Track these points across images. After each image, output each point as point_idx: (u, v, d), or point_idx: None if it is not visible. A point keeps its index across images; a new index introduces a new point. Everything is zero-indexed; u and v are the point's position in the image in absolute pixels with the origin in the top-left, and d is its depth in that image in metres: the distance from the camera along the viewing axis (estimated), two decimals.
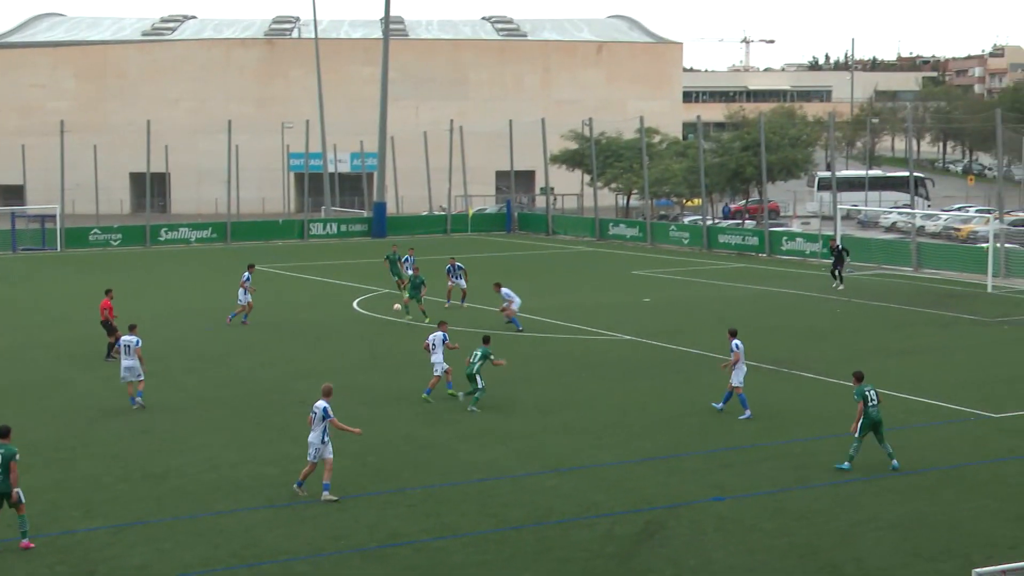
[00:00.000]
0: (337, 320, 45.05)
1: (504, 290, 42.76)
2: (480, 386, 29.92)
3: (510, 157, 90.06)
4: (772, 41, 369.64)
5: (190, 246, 79.60)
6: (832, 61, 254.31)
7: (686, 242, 75.19)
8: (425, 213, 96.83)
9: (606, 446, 26.31)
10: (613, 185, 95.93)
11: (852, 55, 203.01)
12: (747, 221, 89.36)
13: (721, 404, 29.35)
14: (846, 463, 24.28)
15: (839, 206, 66.02)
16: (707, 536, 20.44)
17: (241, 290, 44.47)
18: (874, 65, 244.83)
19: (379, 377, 33.92)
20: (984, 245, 59.56)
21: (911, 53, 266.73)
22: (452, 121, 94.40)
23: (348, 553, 19.73)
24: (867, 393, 24.45)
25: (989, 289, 53.35)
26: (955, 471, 24.26)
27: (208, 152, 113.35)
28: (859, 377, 24.95)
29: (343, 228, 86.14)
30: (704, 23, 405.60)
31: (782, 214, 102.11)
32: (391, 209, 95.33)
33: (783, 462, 24.80)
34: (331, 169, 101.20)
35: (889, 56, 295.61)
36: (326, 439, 22.71)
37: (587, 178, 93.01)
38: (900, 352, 37.61)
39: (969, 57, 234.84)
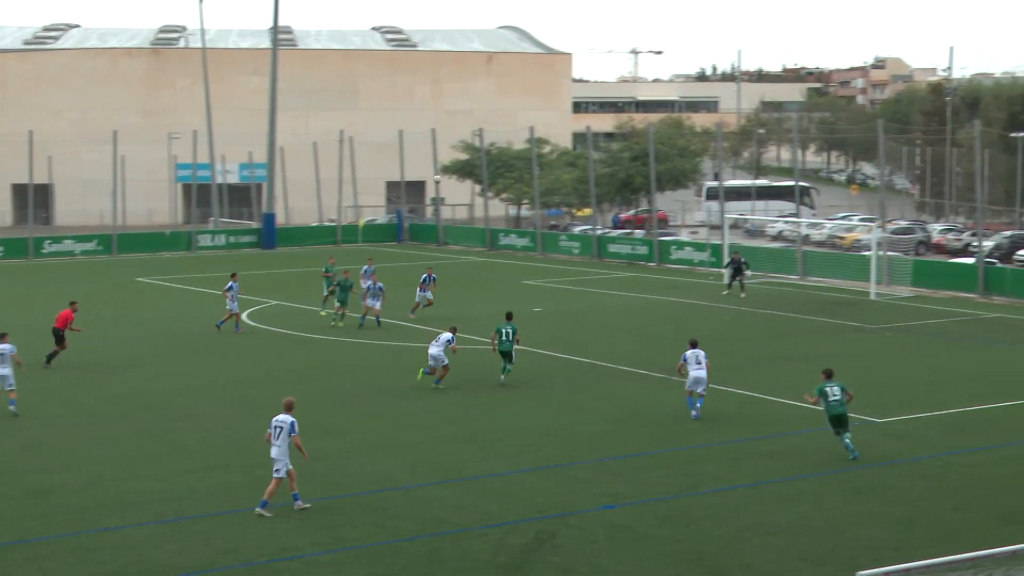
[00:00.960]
0: (227, 333, 44.71)
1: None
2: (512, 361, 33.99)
3: (400, 167, 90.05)
4: (660, 52, 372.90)
5: (75, 258, 78.24)
6: (719, 72, 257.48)
7: (576, 252, 75.63)
8: (315, 224, 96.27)
9: (498, 456, 26.35)
10: (504, 195, 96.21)
11: (739, 66, 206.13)
12: (636, 231, 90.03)
13: (695, 412, 29.82)
14: (854, 453, 25.62)
15: (727, 215, 66.86)
16: (598, 544, 20.55)
17: (228, 299, 44.88)
18: (760, 76, 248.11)
19: (270, 389, 33.60)
20: (867, 253, 60.66)
21: (796, 65, 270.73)
22: (342, 131, 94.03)
23: (238, 568, 19.51)
24: (827, 390, 25.87)
25: (872, 296, 54.34)
26: (840, 476, 24.63)
27: (93, 163, 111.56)
28: (827, 374, 26.33)
29: (232, 240, 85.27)
30: (593, 34, 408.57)
31: (671, 223, 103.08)
32: (280, 220, 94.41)
33: (673, 470, 25.02)
34: (219, 180, 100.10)
35: (775, 67, 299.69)
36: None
37: (478, 188, 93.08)
38: (787, 359, 38.12)
39: (852, 69, 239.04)
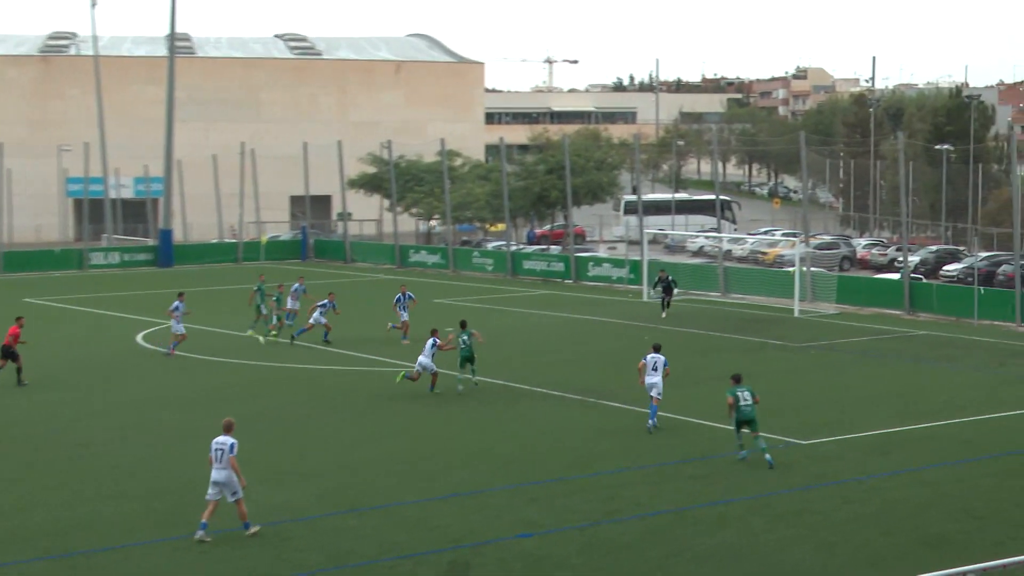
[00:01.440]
0: (120, 355, 44.14)
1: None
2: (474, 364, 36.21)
3: (305, 181, 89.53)
4: (576, 61, 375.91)
5: None
6: (637, 82, 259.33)
7: (490, 268, 75.63)
8: (215, 240, 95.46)
9: (408, 483, 26.22)
10: (414, 210, 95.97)
11: (657, 76, 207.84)
12: (552, 247, 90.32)
13: (651, 421, 30.96)
14: (743, 452, 27.87)
15: (646, 230, 67.34)
16: (514, 575, 20.56)
17: (173, 320, 44.26)
18: (679, 86, 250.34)
19: (168, 415, 33.34)
20: (790, 269, 61.30)
21: (715, 75, 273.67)
22: (243, 144, 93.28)
23: None
24: (738, 393, 27.76)
25: (796, 314, 54.96)
26: (764, 500, 24.79)
27: None
28: (736, 379, 28.25)
29: (126, 257, 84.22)
30: (507, 42, 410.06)
31: (588, 239, 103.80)
32: (178, 236, 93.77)
33: (592, 495, 25.03)
34: (113, 195, 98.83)
35: (694, 77, 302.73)
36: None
37: (386, 203, 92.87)
38: (708, 379, 38.21)
39: (773, 79, 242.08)
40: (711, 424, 31.59)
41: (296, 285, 49.06)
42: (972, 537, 22.37)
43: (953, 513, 23.82)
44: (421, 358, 36.08)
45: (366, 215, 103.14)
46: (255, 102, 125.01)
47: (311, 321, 46.57)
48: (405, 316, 47.35)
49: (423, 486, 25.98)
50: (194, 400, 35.56)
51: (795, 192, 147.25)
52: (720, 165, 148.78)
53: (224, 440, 22.78)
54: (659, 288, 55.73)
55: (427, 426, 32.09)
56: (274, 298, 48.16)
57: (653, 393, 31.10)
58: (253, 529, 22.69)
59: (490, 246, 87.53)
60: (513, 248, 78.29)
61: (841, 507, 24.36)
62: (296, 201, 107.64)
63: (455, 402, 35.13)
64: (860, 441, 30.25)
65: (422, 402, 35.19)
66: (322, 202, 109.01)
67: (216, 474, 22.69)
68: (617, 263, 70.14)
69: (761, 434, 27.86)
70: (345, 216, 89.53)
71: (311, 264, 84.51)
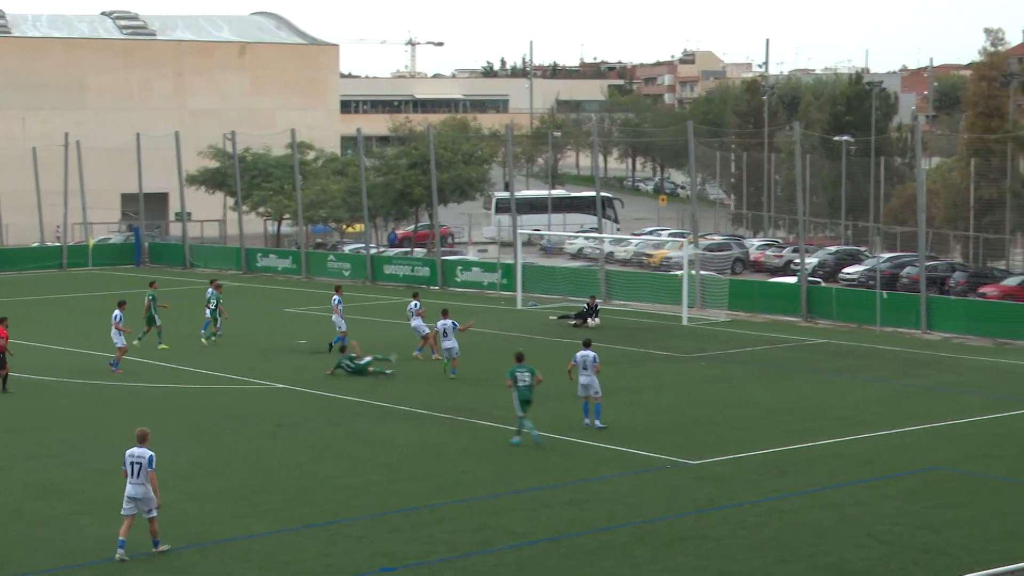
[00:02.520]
0: None
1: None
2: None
3: (138, 177, 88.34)
4: (441, 44, 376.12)
5: None
6: (509, 67, 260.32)
7: (347, 274, 75.36)
8: (36, 244, 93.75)
9: (258, 513, 26.03)
10: (261, 209, 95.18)
11: (531, 60, 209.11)
12: (416, 249, 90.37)
13: (598, 422, 33.33)
14: (515, 438, 31.44)
15: (520, 230, 67.60)
16: None
17: (114, 330, 43.90)
18: (555, 72, 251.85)
19: None
20: (678, 273, 61.74)
21: (595, 58, 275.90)
22: (67, 135, 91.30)
23: None
24: (516, 374, 31.40)
25: (684, 321, 55.42)
26: (650, 526, 24.94)
27: None
28: (519, 358, 32.07)
29: None
30: (364, 23, 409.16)
31: (456, 240, 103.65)
32: None
33: (460, 523, 25.02)
34: None
35: (571, 62, 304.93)
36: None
37: (231, 201, 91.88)
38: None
39: (658, 63, 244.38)
40: (586, 443, 31.75)
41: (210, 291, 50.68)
42: (875, 564, 22.75)
43: (856, 538, 24.17)
44: (446, 344, 41.63)
45: (208, 215, 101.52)
46: (80, 88, 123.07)
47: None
48: (343, 325, 48.14)
49: (271, 517, 25.74)
50: (6, 424, 35.01)
51: (683, 188, 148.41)
52: (601, 158, 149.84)
53: (141, 453, 23.14)
54: (575, 313, 55.90)
55: (270, 452, 31.88)
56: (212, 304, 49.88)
57: (591, 393, 33.54)
58: (163, 547, 23.29)
59: (347, 249, 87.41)
60: (373, 251, 78.22)
61: (735, 532, 24.59)
62: (128, 199, 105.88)
63: (299, 425, 34.94)
64: (755, 460, 30.55)
65: (266, 423, 34.96)
66: (158, 200, 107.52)
67: (132, 489, 23.14)
68: (488, 267, 70.33)
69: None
70: (184, 216, 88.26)
71: (145, 270, 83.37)
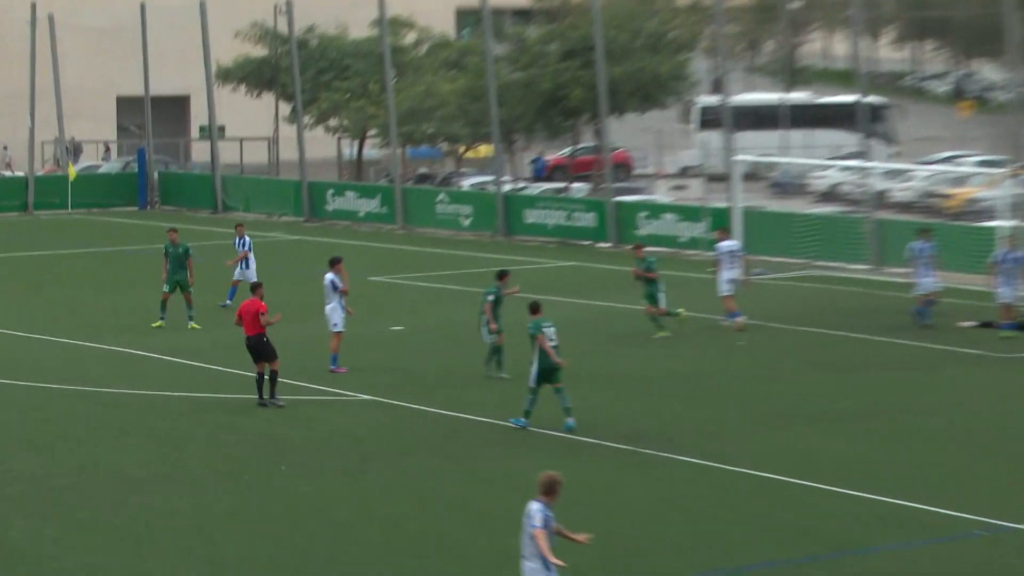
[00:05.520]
0: None
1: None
2: None
3: (144, 71, 74.15)
4: None
5: None
6: None
7: (467, 222, 63.58)
8: None
9: (150, 554, 22.15)
10: (333, 122, 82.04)
11: None
12: (575, 184, 74.67)
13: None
14: (522, 419, 28.52)
15: (737, 157, 54.86)
16: None
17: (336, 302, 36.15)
18: None
19: None
20: (991, 224, 49.77)
21: None
22: (34, 6, 74.71)
23: None
24: (545, 329, 27.91)
25: (1000, 299, 41.70)
26: None
27: None
28: (534, 308, 28.47)
29: None
30: None
31: (638, 172, 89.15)
32: None
33: None
34: None
35: None
36: None
37: (285, 110, 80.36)
38: (845, 415, 31.40)
39: None
40: (861, 495, 25.11)
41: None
42: None
43: None
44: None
45: (250, 130, 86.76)
46: None
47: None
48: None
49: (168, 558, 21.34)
50: None
51: (999, 88, 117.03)
52: (866, 44, 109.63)
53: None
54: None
55: (355, 499, 26.05)
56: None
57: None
58: None
59: (467, 184, 73.52)
60: (507, 188, 65.96)
61: None
62: (127, 106, 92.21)
63: (403, 458, 28.87)
64: None
65: (349, 453, 29.19)
66: (173, 108, 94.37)
67: None
68: (689, 213, 57.00)
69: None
70: (213, 132, 73.62)
71: (154, 215, 70.79)
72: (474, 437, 30.04)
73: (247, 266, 43.55)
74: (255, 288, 32.14)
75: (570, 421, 28.53)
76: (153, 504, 25.30)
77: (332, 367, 34.60)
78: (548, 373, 28.37)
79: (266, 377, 30.91)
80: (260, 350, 31.01)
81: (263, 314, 31.33)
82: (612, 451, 28.31)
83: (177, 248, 42.17)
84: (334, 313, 34.98)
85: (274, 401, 31.05)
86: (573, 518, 19.44)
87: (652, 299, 39.46)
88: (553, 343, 28.19)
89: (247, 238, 44.57)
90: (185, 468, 27.70)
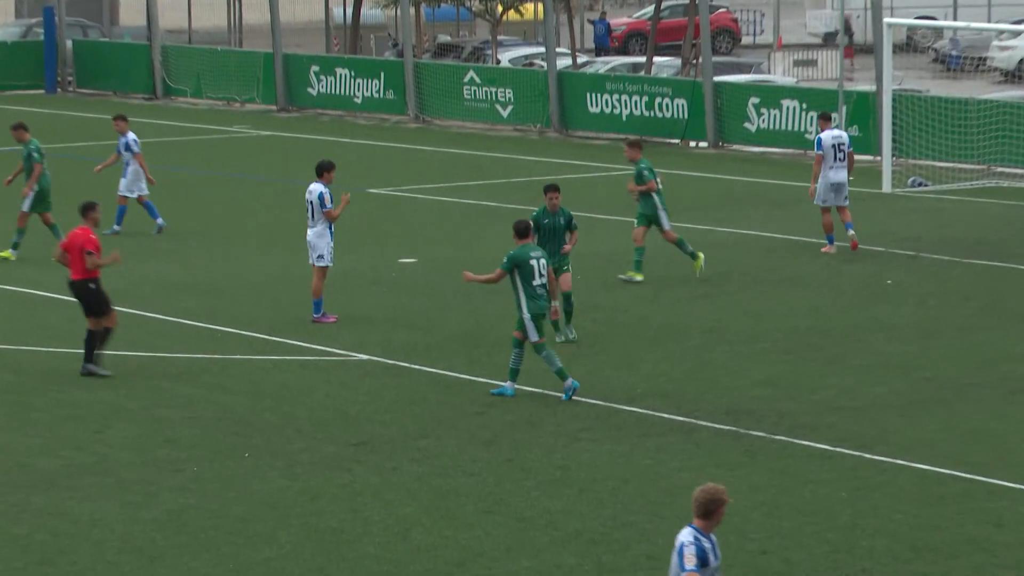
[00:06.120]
0: None
1: None
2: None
3: None
4: None
5: None
6: None
7: (505, 113, 54.12)
8: None
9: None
10: None
11: None
12: (657, 59, 60.40)
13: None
14: (506, 387, 24.40)
15: (888, 19, 44.84)
16: None
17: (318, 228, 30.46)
18: None
19: None
20: None
21: None
22: None
23: None
24: (531, 260, 24.04)
25: None
26: None
27: None
28: (520, 231, 24.62)
29: None
30: None
31: (746, 41, 77.92)
32: None
33: None
34: None
35: None
36: None
37: None
38: None
39: None
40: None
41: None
42: None
43: None
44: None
45: None
46: None
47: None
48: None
49: None
50: None
51: None
52: None
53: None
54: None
55: (345, 497, 21.68)
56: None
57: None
58: None
59: (505, 59, 62.46)
60: (563, 64, 56.06)
61: None
62: None
63: (415, 441, 23.94)
64: None
65: (340, 434, 24.54)
66: None
67: None
68: (816, 98, 47.65)
69: None
70: None
71: (70, 101, 62.04)
72: (512, 413, 24.75)
73: (128, 176, 36.24)
74: (86, 210, 24.97)
75: (572, 383, 24.57)
76: (65, 508, 21.07)
77: (315, 316, 28.40)
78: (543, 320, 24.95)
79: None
80: (88, 300, 24.47)
81: (90, 253, 24.27)
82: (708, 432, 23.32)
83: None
84: (320, 240, 28.63)
85: (95, 368, 24.63)
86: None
87: (645, 219, 31.30)
88: (540, 282, 24.46)
89: (130, 135, 36.57)
90: (109, 456, 22.94)
